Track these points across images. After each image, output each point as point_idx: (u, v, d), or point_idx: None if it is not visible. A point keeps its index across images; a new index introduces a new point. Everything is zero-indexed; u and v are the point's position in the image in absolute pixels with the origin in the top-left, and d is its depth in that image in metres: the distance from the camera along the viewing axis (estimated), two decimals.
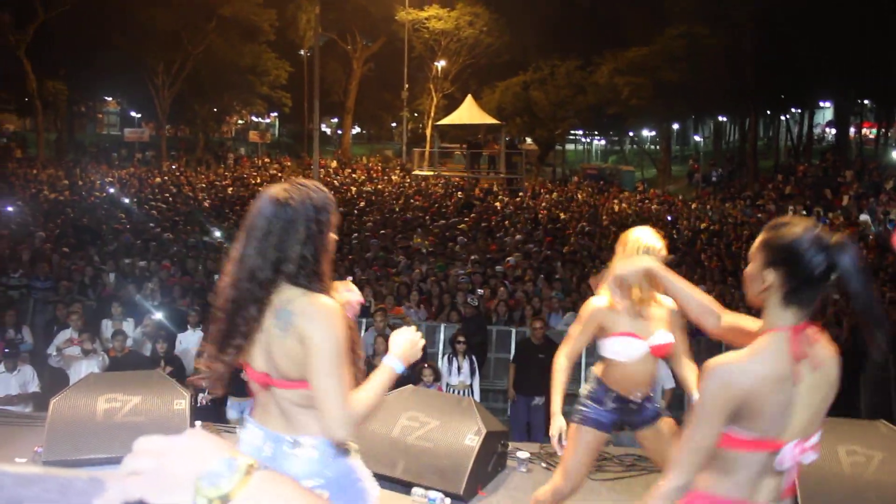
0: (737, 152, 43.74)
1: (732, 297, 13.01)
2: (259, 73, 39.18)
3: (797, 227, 2.23)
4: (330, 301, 2.36)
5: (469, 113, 33.15)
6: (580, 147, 62.56)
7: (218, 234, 15.94)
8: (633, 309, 3.89)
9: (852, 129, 45.13)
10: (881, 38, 31.08)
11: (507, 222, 20.27)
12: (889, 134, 42.56)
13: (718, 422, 2.16)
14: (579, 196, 29.78)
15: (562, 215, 23.08)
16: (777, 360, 2.17)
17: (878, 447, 5.01)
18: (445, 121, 35.11)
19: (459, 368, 9.06)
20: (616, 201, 28.45)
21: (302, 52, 43.12)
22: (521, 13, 38.27)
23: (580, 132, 55.81)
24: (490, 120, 33.47)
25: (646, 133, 53.05)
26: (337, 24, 44.68)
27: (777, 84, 37.02)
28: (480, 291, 11.86)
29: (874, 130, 45.41)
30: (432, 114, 39.39)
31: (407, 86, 40.26)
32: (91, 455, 5.16)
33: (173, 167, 34.64)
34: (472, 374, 9.13)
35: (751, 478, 2.22)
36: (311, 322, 2.29)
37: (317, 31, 28.08)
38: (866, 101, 43.39)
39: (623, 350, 3.91)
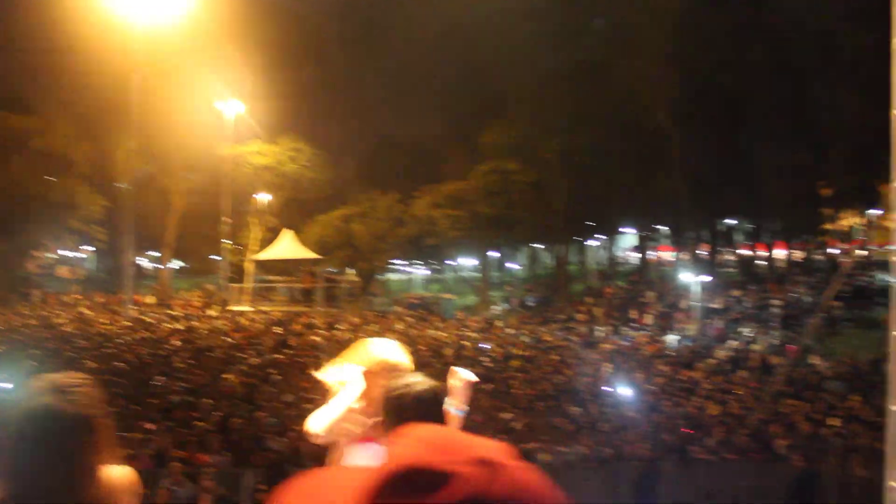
0: (552, 278, 46.14)
1: (537, 424, 13.67)
2: (70, 207, 37.84)
3: None
4: None
5: (288, 247, 33.40)
6: (404, 276, 63.82)
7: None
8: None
9: (655, 254, 49.03)
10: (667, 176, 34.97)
11: (322, 357, 20.29)
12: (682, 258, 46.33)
13: None
14: (398, 327, 30.24)
15: None
16: None
17: None
18: (263, 255, 35.16)
19: None
20: (432, 331, 29.05)
21: (120, 186, 42.18)
22: (342, 149, 39.44)
23: (402, 262, 57.14)
24: (310, 254, 33.84)
25: (467, 261, 55.00)
26: (157, 158, 44.26)
27: (583, 214, 39.93)
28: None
29: (671, 254, 49.33)
30: (254, 248, 39.25)
31: (224, 219, 40.07)
32: None
33: None
34: None
35: None
36: None
37: (129, 161, 27.85)
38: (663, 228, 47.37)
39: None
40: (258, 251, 37.51)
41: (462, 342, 26.52)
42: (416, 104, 42.32)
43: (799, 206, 36.14)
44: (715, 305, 34.02)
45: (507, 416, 13.81)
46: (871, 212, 42.96)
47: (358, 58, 44.36)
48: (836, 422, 14.57)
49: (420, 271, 64.04)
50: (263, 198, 41.25)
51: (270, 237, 39.56)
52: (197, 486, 9.17)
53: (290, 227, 37.21)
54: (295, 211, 42.09)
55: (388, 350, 3.42)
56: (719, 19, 33.19)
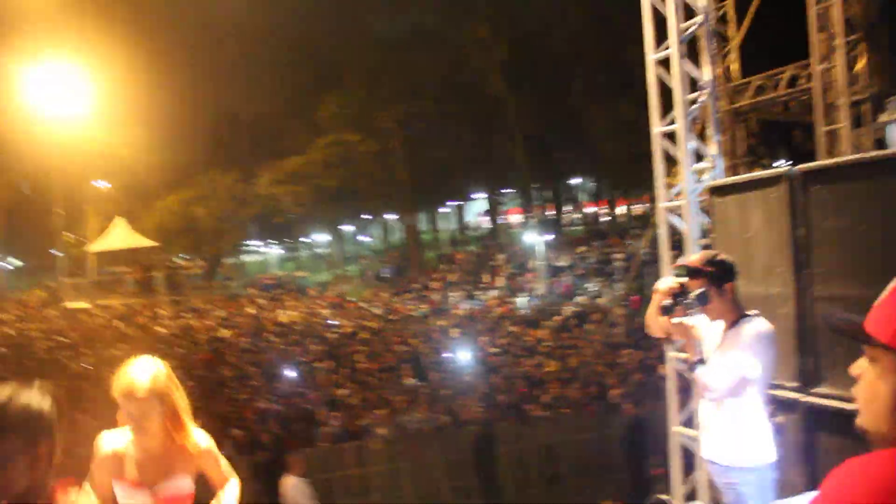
0: (405, 248, 46.11)
1: (378, 396, 13.45)
2: None
3: None
4: None
5: (123, 236, 31.76)
6: (259, 257, 62.43)
7: None
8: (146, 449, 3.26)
9: (505, 218, 49.74)
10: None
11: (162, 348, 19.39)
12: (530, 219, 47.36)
13: None
14: (249, 310, 29.44)
15: (225, 333, 22.59)
16: None
17: None
18: (96, 246, 33.33)
19: None
20: (282, 311, 28.44)
21: None
22: (179, 131, 37.76)
23: (257, 243, 55.85)
24: (147, 242, 32.33)
25: (321, 238, 54.28)
26: None
27: (429, 182, 39.92)
28: None
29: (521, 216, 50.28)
30: (93, 239, 37.19)
31: (56, 210, 37.66)
32: None
33: None
34: None
35: None
36: None
37: None
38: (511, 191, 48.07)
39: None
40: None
41: (312, 320, 26.14)
42: (251, 81, 40.96)
43: (635, 161, 37.37)
44: (562, 263, 34.81)
45: (343, 391, 13.55)
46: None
47: (189, 35, 42.47)
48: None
49: (275, 251, 62.87)
50: (99, 185, 39.15)
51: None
52: None
53: (128, 215, 35.41)
54: (135, 197, 40.15)
55: (128, 372, 3.20)
56: None
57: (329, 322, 25.18)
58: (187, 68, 43.25)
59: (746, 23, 13.77)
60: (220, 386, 14.23)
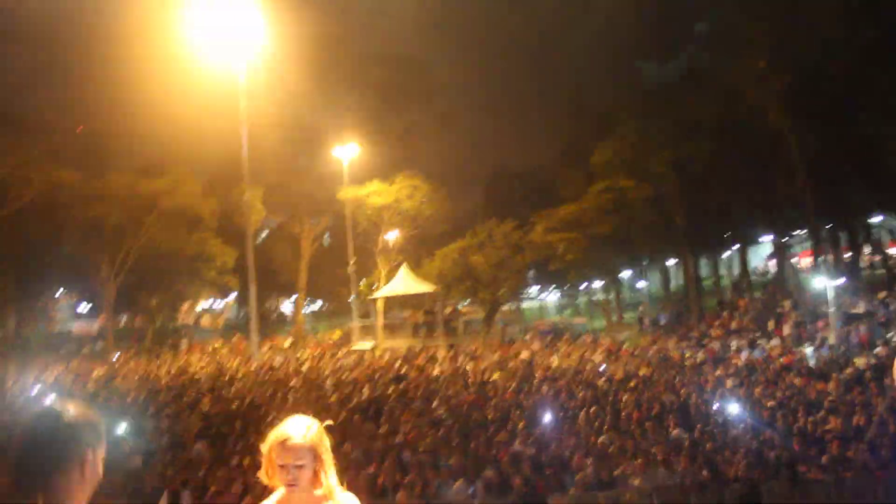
0: (683, 294, 44.62)
1: (636, 445, 13.05)
2: (204, 260, 39.95)
3: None
4: None
5: (405, 282, 33.84)
6: (537, 304, 63.51)
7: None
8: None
9: (795, 261, 46.46)
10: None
11: (433, 389, 20.29)
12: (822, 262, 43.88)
13: None
14: (523, 355, 29.95)
15: (495, 376, 23.14)
16: None
17: None
18: (381, 293, 35.78)
19: None
20: (555, 357, 28.60)
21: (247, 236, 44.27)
22: (459, 182, 39.78)
23: (534, 289, 56.94)
24: (426, 287, 34.16)
25: (598, 284, 54.13)
26: (283, 207, 46.22)
27: (709, 225, 38.43)
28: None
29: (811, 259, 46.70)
30: (381, 286, 40.00)
31: (353, 260, 41.03)
32: None
33: (114, 359, 34.63)
34: None
35: None
36: None
37: (247, 211, 29.12)
38: (800, 232, 44.86)
39: None
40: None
41: (584, 366, 26.02)
42: (527, 132, 42.36)
43: None
44: (858, 310, 31.75)
45: (602, 439, 13.30)
46: None
47: (468, 91, 44.89)
48: None
49: (553, 297, 63.69)
50: (388, 236, 42.11)
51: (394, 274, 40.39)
52: None
53: (412, 262, 37.76)
54: (416, 246, 42.75)
55: (284, 426, 3.34)
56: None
57: (600, 369, 24.94)
58: (466, 123, 45.70)
59: None
60: (481, 427, 14.57)
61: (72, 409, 2.42)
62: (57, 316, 55.78)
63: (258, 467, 3.33)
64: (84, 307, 51.11)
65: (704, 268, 48.19)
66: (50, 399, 2.24)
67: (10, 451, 2.33)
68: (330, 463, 3.35)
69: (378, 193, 40.79)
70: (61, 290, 52.19)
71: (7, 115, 35.45)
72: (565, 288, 59.44)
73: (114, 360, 34.17)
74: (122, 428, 14.75)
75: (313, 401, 18.81)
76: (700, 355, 29.24)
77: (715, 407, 16.46)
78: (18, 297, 42.22)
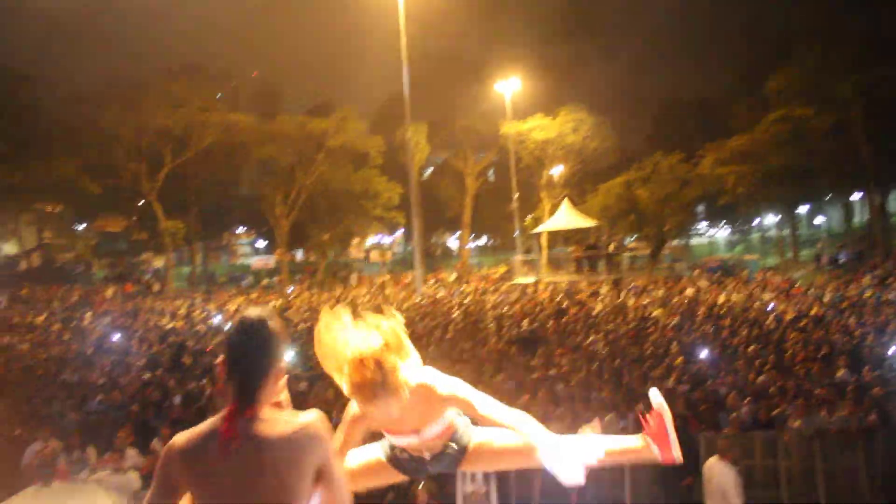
0: (867, 231, 41.76)
1: (798, 386, 12.47)
2: (371, 197, 41.17)
3: None
4: None
5: (566, 217, 33.49)
6: (707, 241, 61.33)
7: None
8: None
9: None
10: None
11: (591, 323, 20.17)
12: None
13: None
14: (688, 291, 29.12)
15: (656, 312, 22.66)
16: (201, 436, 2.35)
17: None
18: (543, 227, 35.64)
19: (473, 475, 8.62)
20: (722, 294, 27.60)
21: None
22: (626, 114, 38.68)
23: (703, 225, 54.94)
24: (588, 222, 33.70)
25: (772, 220, 51.60)
26: (447, 143, 46.70)
27: None
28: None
29: None
30: (545, 221, 39.81)
31: (516, 195, 41.00)
32: None
33: (289, 291, 36.53)
34: (488, 480, 8.74)
35: None
36: None
37: (410, 148, 29.58)
38: None
39: None
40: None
41: (751, 304, 25.01)
42: (697, 59, 40.36)
43: None
44: None
45: (762, 378, 12.80)
46: None
47: (634, 18, 43.28)
48: None
49: (724, 234, 61.36)
50: (553, 171, 41.78)
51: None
52: None
53: (577, 197, 37.34)
54: (581, 180, 42.19)
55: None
56: None
57: (768, 308, 23.86)
58: (633, 53, 44.11)
59: None
60: (636, 362, 14.37)
61: (275, 322, 2.64)
62: (238, 251, 59.68)
63: None
64: (262, 243, 54.26)
65: (893, 202, 44.70)
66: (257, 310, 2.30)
67: (228, 355, 2.55)
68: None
69: (541, 128, 40.41)
70: (241, 227, 55.74)
71: (188, 64, 37.86)
72: (736, 224, 57.11)
73: (288, 292, 36.08)
74: (291, 354, 15.66)
75: (472, 333, 19.22)
76: (883, 296, 27.41)
77: (892, 351, 15.42)
78: (203, 235, 45.57)
